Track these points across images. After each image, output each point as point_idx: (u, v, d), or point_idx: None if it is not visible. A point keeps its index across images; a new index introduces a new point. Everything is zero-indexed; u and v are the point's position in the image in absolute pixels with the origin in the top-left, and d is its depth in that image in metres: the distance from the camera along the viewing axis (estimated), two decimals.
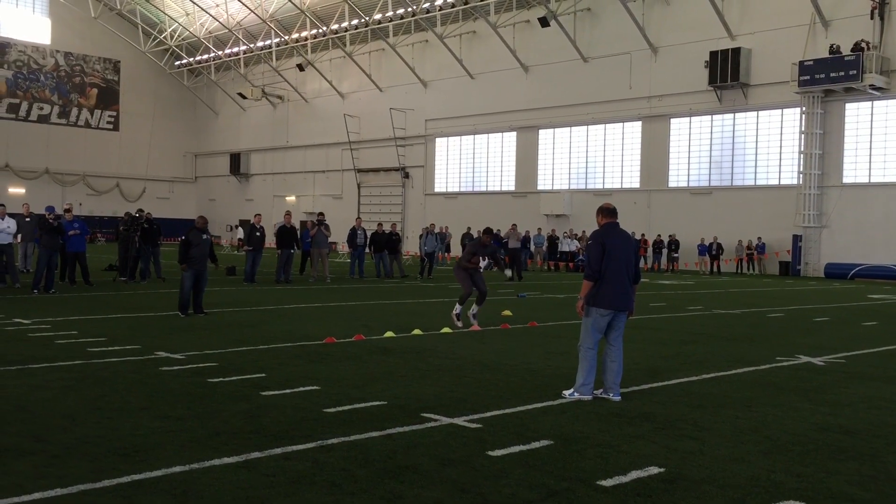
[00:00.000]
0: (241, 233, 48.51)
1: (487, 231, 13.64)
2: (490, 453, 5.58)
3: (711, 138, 37.77)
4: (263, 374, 8.33)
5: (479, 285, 13.06)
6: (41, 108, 59.44)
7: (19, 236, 21.10)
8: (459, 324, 12.85)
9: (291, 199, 57.63)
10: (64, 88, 60.39)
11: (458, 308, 13.08)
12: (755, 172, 36.51)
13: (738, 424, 6.67)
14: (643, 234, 37.42)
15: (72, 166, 60.52)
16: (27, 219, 20.02)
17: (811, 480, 5.17)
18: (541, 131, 43.82)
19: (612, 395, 7.51)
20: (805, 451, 5.90)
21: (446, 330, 12.45)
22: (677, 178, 38.89)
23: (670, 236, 36.66)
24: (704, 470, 5.33)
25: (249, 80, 58.95)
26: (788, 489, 4.97)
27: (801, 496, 4.84)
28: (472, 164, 47.60)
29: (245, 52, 57.56)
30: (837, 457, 5.75)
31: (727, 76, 35.57)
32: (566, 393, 7.60)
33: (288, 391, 7.51)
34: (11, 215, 19.65)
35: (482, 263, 13.13)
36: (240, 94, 58.84)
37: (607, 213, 7.75)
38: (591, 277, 7.46)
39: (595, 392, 7.56)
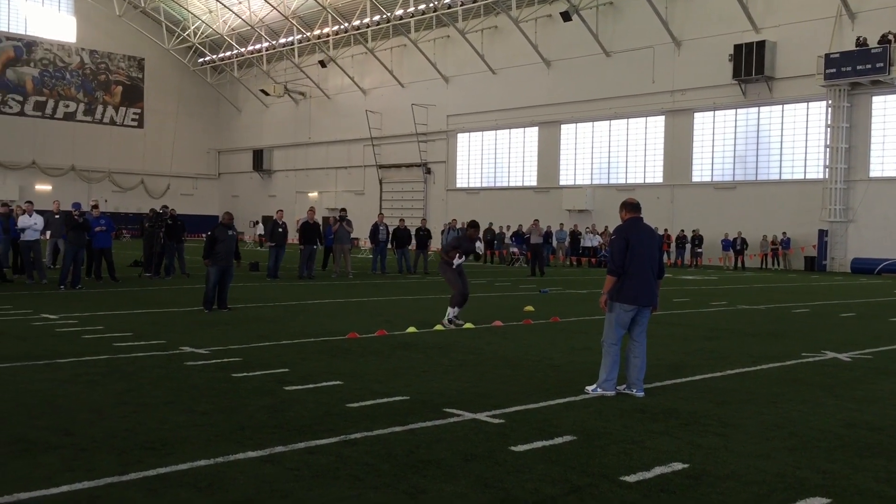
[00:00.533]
0: (261, 229, 48.86)
1: (473, 224, 13.05)
2: (513, 448, 5.59)
3: (735, 132, 37.44)
4: (287, 369, 8.39)
5: (465, 288, 12.51)
6: (67, 106, 60.11)
7: (48, 233, 21.36)
8: (452, 326, 12.24)
9: (314, 195, 57.88)
10: (89, 86, 61.03)
11: (451, 311, 12.40)
12: (780, 167, 36.14)
13: (763, 420, 6.62)
14: (666, 230, 37.18)
15: (97, 163, 61.18)
16: (56, 216, 20.30)
17: (837, 477, 5.13)
18: (563, 126, 43.65)
19: (635, 390, 7.48)
20: (831, 447, 5.84)
21: (469, 325, 12.45)
22: (701, 172, 38.59)
23: (693, 231, 36.40)
24: (729, 466, 5.30)
25: (272, 77, 59.24)
26: (814, 485, 4.93)
27: (827, 492, 4.80)
28: (493, 160, 47.53)
29: (267, 49, 57.84)
30: (864, 453, 5.69)
31: (751, 70, 35.23)
32: (589, 389, 7.58)
33: (311, 386, 7.55)
34: (39, 212, 19.90)
35: (457, 261, 12.41)
36: (262, 91, 59.17)
37: (631, 207, 7.69)
38: (614, 272, 7.42)
39: (618, 388, 7.54)
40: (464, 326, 12.25)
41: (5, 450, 5.32)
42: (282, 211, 24.13)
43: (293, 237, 28.97)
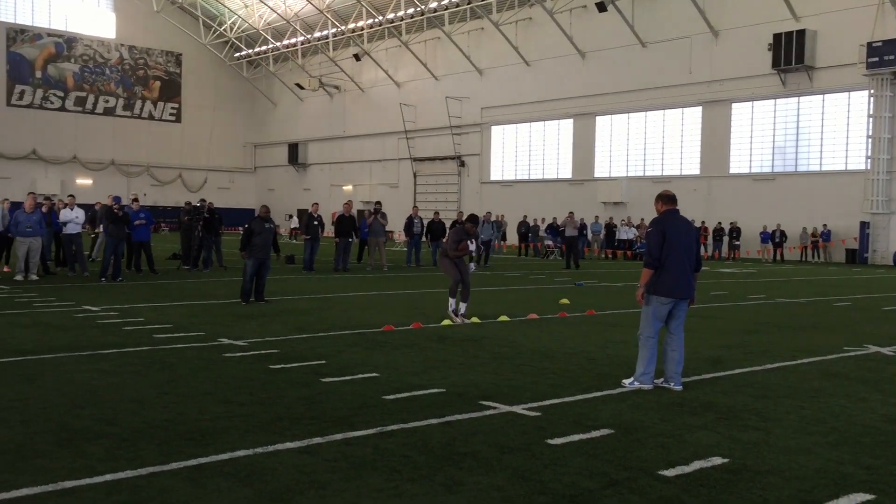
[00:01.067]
0: (295, 222, 49.23)
1: (472, 219, 12.68)
2: (549, 441, 5.57)
3: (775, 123, 36.84)
4: (323, 361, 8.44)
5: (464, 277, 12.13)
6: (107, 101, 61.03)
7: (99, 227, 21.72)
8: (459, 319, 11.92)
9: (348, 188, 58.16)
10: (128, 81, 61.89)
11: (452, 303, 12.10)
12: (820, 158, 35.51)
13: (804, 415, 6.52)
14: (703, 222, 36.77)
15: (136, 157, 62.06)
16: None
17: (881, 473, 5.03)
18: (598, 118, 43.31)
19: (673, 384, 7.41)
20: (875, 442, 5.74)
21: (504, 318, 12.43)
22: (739, 164, 38.05)
23: (731, 224, 35.94)
24: (770, 461, 5.23)
25: (307, 71, 59.57)
26: (857, 481, 4.85)
27: (871, 489, 4.71)
28: (528, 152, 47.34)
29: (302, 43, 58.18)
30: None
31: (791, 59, 34.61)
32: (626, 382, 7.53)
33: (348, 378, 7.60)
34: (80, 206, 20.23)
35: (471, 246, 12.18)
36: (297, 85, 59.53)
37: (667, 199, 7.60)
38: (651, 265, 7.35)
39: (656, 381, 7.48)
40: (471, 321, 11.97)
41: (50, 439, 5.43)
42: (317, 204, 24.28)
43: (328, 230, 29.16)
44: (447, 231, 26.76)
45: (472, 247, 12.33)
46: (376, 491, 4.52)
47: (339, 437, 5.58)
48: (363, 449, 5.31)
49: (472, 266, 12.77)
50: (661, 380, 7.50)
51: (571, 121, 44.47)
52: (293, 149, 62.97)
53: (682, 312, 7.53)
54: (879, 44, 31.84)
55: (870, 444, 5.68)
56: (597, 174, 43.49)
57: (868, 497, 4.57)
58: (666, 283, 7.32)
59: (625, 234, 36.47)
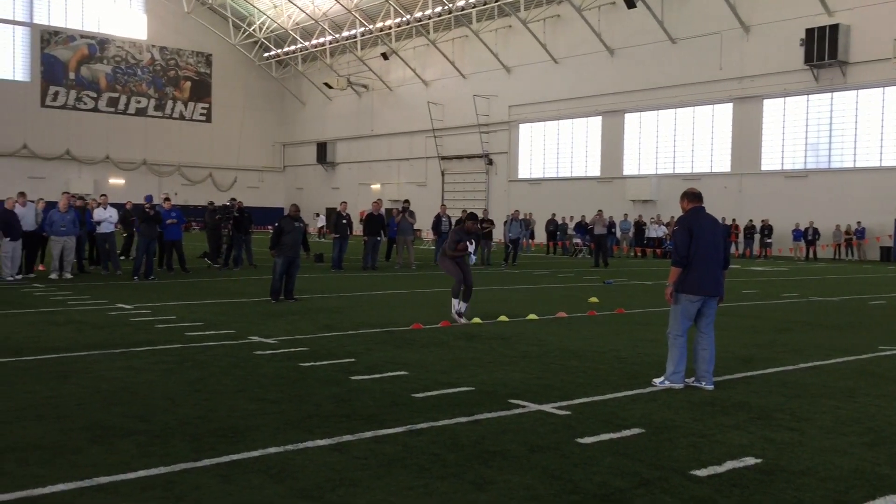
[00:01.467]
0: (321, 220, 49.48)
1: (472, 217, 12.55)
2: (579, 440, 5.54)
3: (807, 119, 36.33)
4: (353, 359, 8.48)
5: (466, 276, 11.87)
6: (139, 102, 61.74)
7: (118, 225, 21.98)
8: (462, 320, 11.65)
9: (376, 187, 58.33)
10: (160, 82, 62.56)
11: (455, 304, 11.79)
12: (854, 154, 34.95)
13: (839, 415, 6.43)
14: (734, 220, 36.38)
15: (167, 157, 62.72)
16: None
17: None
18: (627, 115, 43.01)
19: (704, 383, 7.34)
20: None
21: (532, 317, 12.39)
22: (771, 160, 37.57)
23: (763, 221, 35.51)
24: (804, 461, 5.16)
25: (335, 70, 59.82)
26: (894, 482, 4.77)
27: None
28: (556, 150, 47.14)
29: (331, 43, 58.41)
30: None
31: (824, 54, 34.09)
32: (656, 381, 7.48)
33: (377, 376, 7.62)
34: (112, 205, 20.48)
35: (471, 247, 11.96)
36: (326, 84, 59.79)
37: (693, 197, 7.54)
38: (679, 263, 7.29)
39: (686, 380, 7.41)
40: (472, 322, 11.66)
41: (85, 435, 5.50)
42: (345, 203, 24.38)
43: (357, 229, 29.25)
44: (484, 229, 26.78)
45: (472, 247, 12.06)
46: (406, 489, 4.53)
47: (368, 434, 5.59)
48: (393, 447, 5.32)
49: (472, 259, 12.45)
50: (693, 379, 7.43)
51: (600, 118, 44.20)
52: (322, 148, 63.28)
53: (712, 311, 7.46)
54: None
55: None
56: (626, 172, 43.19)
57: None
58: (694, 281, 7.27)
59: (654, 232, 36.19)
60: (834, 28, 33.87)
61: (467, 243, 11.93)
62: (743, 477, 4.83)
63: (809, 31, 34.52)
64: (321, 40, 59.11)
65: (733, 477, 4.83)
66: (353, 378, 7.51)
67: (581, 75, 44.38)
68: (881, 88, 33.79)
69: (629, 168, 43.18)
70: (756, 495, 4.52)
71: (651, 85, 41.07)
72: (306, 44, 60.39)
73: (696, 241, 7.23)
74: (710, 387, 7.31)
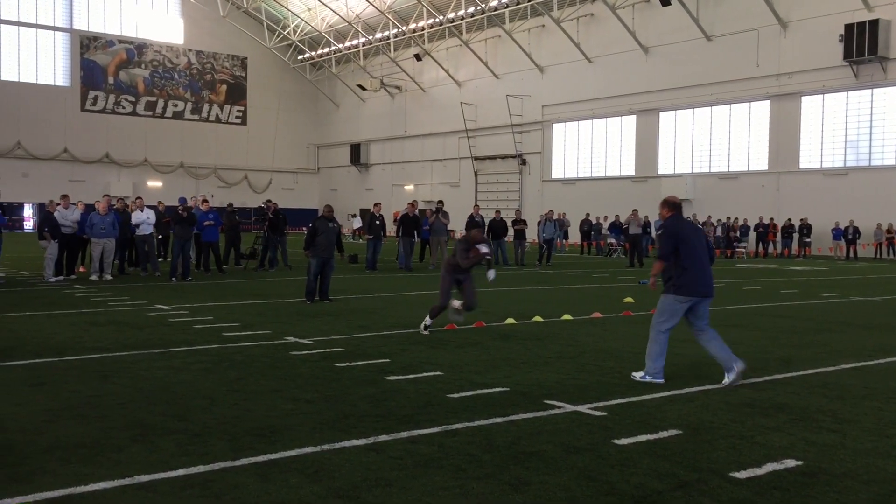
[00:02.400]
0: (357, 222, 49.71)
1: (474, 225, 11.46)
2: (616, 441, 5.50)
3: (847, 116, 35.69)
4: (388, 360, 8.50)
5: (469, 297, 10.87)
6: (175, 105, 62.55)
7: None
8: (426, 332, 10.55)
9: (409, 187, 58.47)
10: (196, 86, 63.33)
11: (428, 320, 10.69)
12: (895, 151, 34.29)
13: (883, 417, 6.31)
14: (772, 218, 35.87)
15: (204, 160, 63.47)
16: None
17: None
18: (661, 114, 42.61)
19: (736, 367, 7.34)
20: None
21: (567, 317, 12.33)
22: (809, 158, 36.98)
23: (801, 220, 34.96)
24: (846, 464, 5.07)
25: (368, 72, 60.08)
26: None
27: None
28: (589, 150, 46.85)
29: (364, 45, 58.67)
30: None
31: (864, 50, 33.45)
32: (636, 375, 7.63)
33: (412, 376, 7.64)
34: (149, 207, 20.78)
35: (484, 249, 10.73)
36: (359, 86, 60.10)
37: (672, 206, 7.81)
38: (664, 258, 7.51)
39: (724, 381, 7.35)
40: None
41: (126, 434, 5.59)
42: (379, 204, 24.47)
43: (391, 230, 29.34)
44: (507, 229, 26.73)
45: (485, 249, 10.83)
46: (442, 489, 4.53)
47: (404, 434, 5.61)
48: (428, 447, 5.32)
49: (491, 273, 11.46)
50: (726, 378, 7.37)
51: (634, 117, 43.85)
52: (355, 149, 63.59)
53: (706, 310, 7.63)
54: None
55: None
56: (660, 171, 42.80)
57: None
58: (688, 283, 7.43)
59: None
60: (874, 23, 33.21)
61: (478, 247, 10.70)
62: (783, 479, 4.76)
63: (849, 27, 33.89)
64: (354, 42, 59.40)
65: (773, 479, 4.76)
66: (388, 378, 7.53)
67: (615, 74, 44.06)
68: None
69: (664, 167, 42.77)
70: (797, 498, 4.45)
71: (686, 83, 40.63)
72: (340, 46, 60.73)
73: (685, 246, 7.44)
74: (741, 365, 7.34)
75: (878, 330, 11.50)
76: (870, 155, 35.03)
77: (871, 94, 34.74)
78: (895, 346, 9.87)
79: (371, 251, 22.70)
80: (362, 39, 58.40)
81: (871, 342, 10.27)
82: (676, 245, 7.46)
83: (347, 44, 60.14)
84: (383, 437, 5.53)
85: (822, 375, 8.01)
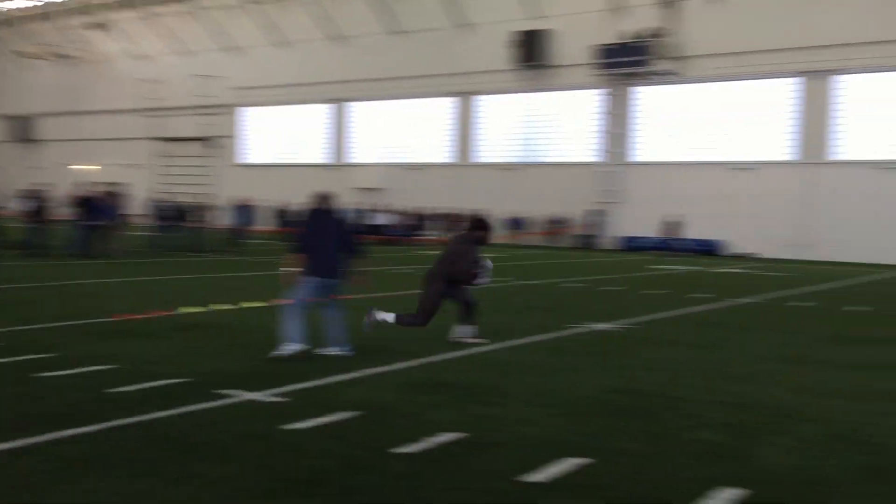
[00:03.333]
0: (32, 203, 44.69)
1: (482, 225, 9.37)
2: (289, 426, 5.48)
3: (522, 116, 39.21)
4: (51, 354, 7.73)
5: (468, 302, 9.18)
6: None
7: None
8: (379, 317, 8.97)
9: (89, 167, 53.79)
10: None
11: (386, 315, 8.98)
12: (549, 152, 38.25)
13: (539, 388, 6.97)
14: (455, 209, 38.43)
15: None
16: None
17: (594, 439, 5.49)
18: (353, 104, 43.59)
19: (339, 349, 8.13)
20: (590, 411, 6.27)
21: (245, 304, 12.12)
22: (488, 153, 40.04)
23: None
24: (500, 434, 5.53)
25: (37, 39, 54.12)
26: (575, 447, 5.26)
27: (586, 454, 5.12)
28: (284, 136, 46.56)
29: (33, 8, 52.75)
30: (620, 416, 6.16)
31: (532, 56, 36.94)
32: (283, 349, 7.89)
33: (78, 370, 7.01)
34: None
35: (487, 264, 9.17)
36: (16, 52, 53.69)
37: (319, 199, 8.41)
38: (297, 250, 8.12)
39: (331, 350, 8.11)
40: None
41: None
42: (46, 184, 22.17)
43: (65, 213, 26.77)
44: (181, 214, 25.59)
45: (489, 265, 9.30)
46: (95, 490, 4.21)
47: (63, 434, 5.12)
48: (87, 446, 4.92)
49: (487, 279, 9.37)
50: (331, 348, 8.11)
51: (328, 105, 44.31)
52: (20, 123, 56.99)
53: (332, 291, 8.19)
54: (612, 47, 34.93)
55: (585, 413, 6.20)
56: (352, 160, 43.81)
57: (585, 461, 4.97)
58: (311, 266, 8.05)
59: (379, 219, 37.02)
60: (543, 32, 36.81)
61: (480, 267, 8.98)
62: (446, 451, 5.07)
63: (520, 34, 37.26)
64: (19, 5, 53.13)
65: (437, 451, 5.05)
66: (46, 375, 6.84)
67: (310, 61, 44.20)
68: (581, 90, 37.35)
69: (357, 156, 43.81)
70: (455, 466, 4.76)
71: (378, 75, 41.95)
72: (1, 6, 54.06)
73: (312, 232, 8.12)
74: (346, 352, 8.06)
75: (540, 311, 12.73)
76: (540, 152, 38.95)
77: (542, 98, 38.52)
78: (549, 326, 10.97)
79: (33, 235, 20.52)
80: (30, 3, 52.43)
81: (532, 321, 11.32)
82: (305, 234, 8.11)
83: (9, 4, 53.64)
84: (35, 440, 5.00)
85: (488, 354, 8.68)
